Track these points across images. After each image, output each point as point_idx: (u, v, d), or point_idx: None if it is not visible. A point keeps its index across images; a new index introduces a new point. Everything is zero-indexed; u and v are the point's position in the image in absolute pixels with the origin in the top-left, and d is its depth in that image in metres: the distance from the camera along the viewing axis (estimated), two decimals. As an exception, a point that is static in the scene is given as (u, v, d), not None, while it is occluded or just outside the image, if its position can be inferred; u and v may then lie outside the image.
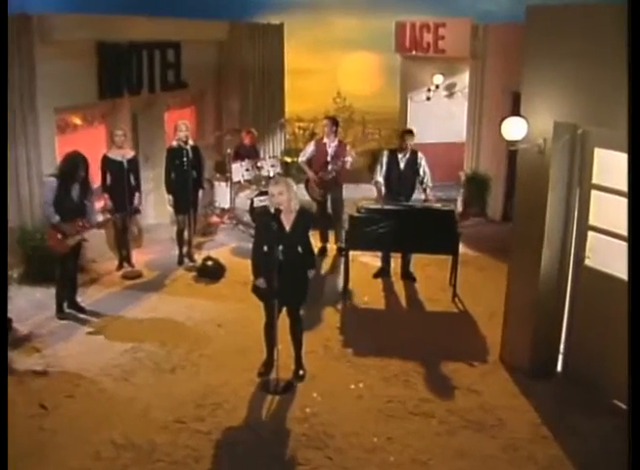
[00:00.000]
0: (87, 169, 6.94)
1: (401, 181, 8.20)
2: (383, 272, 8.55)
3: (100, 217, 7.59)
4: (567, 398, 5.77)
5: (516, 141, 5.49)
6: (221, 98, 11.50)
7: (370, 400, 5.74)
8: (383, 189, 8.25)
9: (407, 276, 8.47)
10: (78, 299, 7.45)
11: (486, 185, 11.28)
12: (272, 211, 5.60)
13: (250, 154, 10.48)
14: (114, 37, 8.75)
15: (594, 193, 5.66)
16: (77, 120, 8.97)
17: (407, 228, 7.62)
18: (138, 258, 9.02)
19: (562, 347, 6.18)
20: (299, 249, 5.78)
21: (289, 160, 11.46)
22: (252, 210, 9.78)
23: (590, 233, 5.77)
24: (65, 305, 7.27)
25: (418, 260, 8.78)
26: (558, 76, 5.38)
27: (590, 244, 5.80)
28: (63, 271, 7.12)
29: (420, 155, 8.32)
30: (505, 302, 6.50)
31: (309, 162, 9.22)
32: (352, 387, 5.94)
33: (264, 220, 5.70)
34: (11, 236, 7.73)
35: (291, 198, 5.66)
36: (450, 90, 13.30)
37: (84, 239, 7.14)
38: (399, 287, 8.30)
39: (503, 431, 5.36)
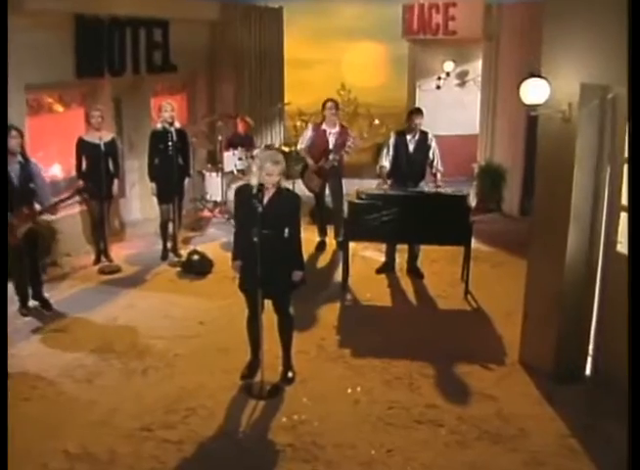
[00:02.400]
0: (23, 143, 6.28)
1: (410, 165, 7.58)
2: (387, 267, 7.91)
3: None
4: (598, 404, 5.11)
5: (536, 105, 4.85)
6: (214, 84, 10.90)
7: (368, 407, 5.10)
8: (387, 174, 7.62)
9: (414, 272, 7.83)
10: (46, 294, 6.83)
11: (502, 178, 10.63)
12: (255, 187, 4.98)
13: (244, 143, 9.89)
14: (93, 10, 8.17)
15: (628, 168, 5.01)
16: (51, 100, 8.35)
17: (413, 216, 6.99)
18: (118, 252, 8.42)
19: (591, 346, 5.50)
20: (286, 232, 5.15)
21: (286, 149, 10.82)
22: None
23: (623, 214, 5.10)
24: (29, 300, 6.66)
25: (426, 255, 8.15)
26: (586, 29, 4.75)
27: (623, 227, 5.13)
28: (20, 265, 6.48)
29: (430, 136, 7.72)
30: (525, 294, 5.86)
31: (308, 149, 8.62)
32: (349, 391, 5.30)
33: (245, 197, 5.08)
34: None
35: (281, 174, 5.06)
36: (462, 78, 12.67)
37: (35, 229, 6.47)
38: (405, 283, 7.66)
39: (525, 443, 4.71)
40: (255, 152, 9.72)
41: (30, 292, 6.67)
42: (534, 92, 4.80)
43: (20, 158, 6.28)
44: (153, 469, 4.31)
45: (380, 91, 14.92)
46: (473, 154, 11.48)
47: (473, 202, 10.83)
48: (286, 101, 12.20)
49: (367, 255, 8.46)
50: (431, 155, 7.62)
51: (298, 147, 8.82)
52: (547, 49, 5.02)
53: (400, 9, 12.40)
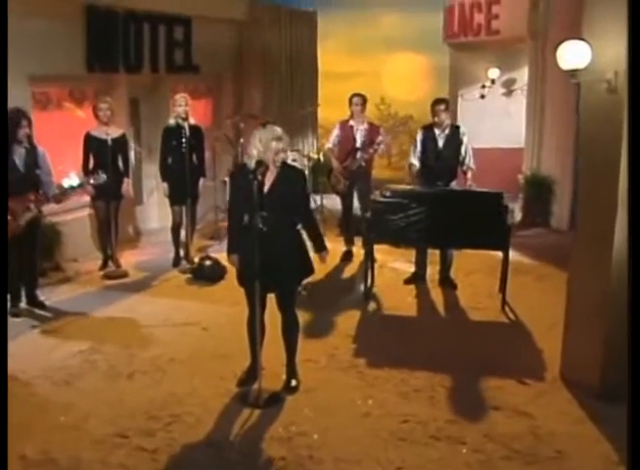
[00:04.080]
0: (30, 128, 6.00)
1: (440, 162, 7.04)
2: (416, 277, 7.33)
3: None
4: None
5: (576, 70, 4.29)
6: (241, 88, 10.58)
7: (379, 420, 4.52)
8: (416, 172, 7.10)
9: (446, 282, 7.23)
10: (42, 297, 6.47)
11: (549, 189, 9.97)
12: (252, 165, 4.53)
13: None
14: (107, 1, 7.93)
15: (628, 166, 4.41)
16: (58, 94, 8.06)
17: (443, 217, 6.42)
18: (129, 258, 8.06)
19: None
20: (293, 215, 4.67)
21: (314, 155, 10.41)
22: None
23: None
24: (22, 299, 6.30)
25: (461, 266, 7.59)
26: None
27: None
28: (19, 258, 6.15)
29: (462, 130, 7.18)
30: (566, 302, 5.24)
31: (335, 150, 8.18)
32: (358, 403, 4.73)
33: (241, 178, 4.63)
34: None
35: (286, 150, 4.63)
36: (509, 87, 12.09)
37: (39, 216, 6.16)
38: (436, 294, 7.07)
39: (563, 465, 4.09)
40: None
41: (24, 293, 6.32)
42: (574, 56, 4.25)
43: (26, 143, 6.02)
44: (119, 480, 3.82)
45: (421, 104, 14.39)
46: (520, 168, 10.86)
47: (518, 216, 10.26)
48: (321, 117, 11.84)
49: (397, 266, 7.91)
50: (462, 151, 7.08)
51: (326, 147, 8.40)
52: (590, 6, 4.47)
53: (442, 17, 12.01)
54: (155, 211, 9.37)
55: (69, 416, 4.46)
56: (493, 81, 11.94)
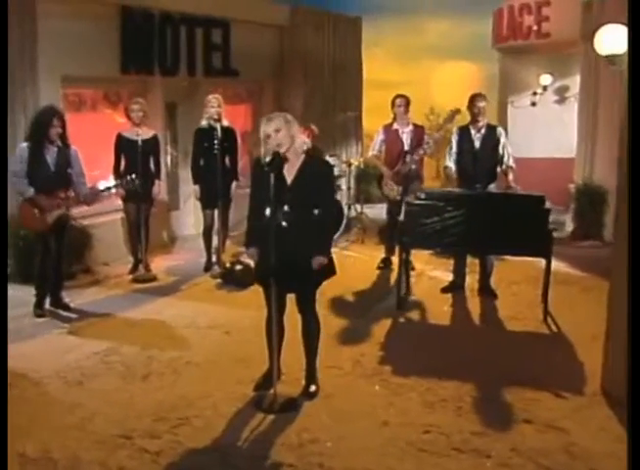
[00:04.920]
0: (64, 127, 5.97)
1: (477, 164, 6.78)
2: (455, 286, 7.06)
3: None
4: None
5: (614, 55, 4.03)
6: (282, 95, 10.49)
7: (398, 429, 4.28)
8: (454, 175, 6.86)
9: (486, 292, 6.94)
10: (67, 299, 6.44)
11: (602, 200, 9.56)
12: (272, 156, 4.37)
13: (308, 154, 9.34)
14: (142, 3, 7.94)
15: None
16: (92, 96, 8.09)
17: (481, 220, 6.16)
18: (161, 263, 8.02)
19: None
20: (315, 211, 4.50)
21: (355, 162, 10.22)
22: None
23: None
24: (47, 301, 6.28)
25: (504, 276, 7.33)
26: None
27: None
28: (44, 256, 6.13)
29: (500, 130, 6.93)
30: (608, 314, 4.94)
31: (380, 156, 7.99)
32: (378, 411, 4.50)
33: (258, 172, 4.48)
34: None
35: (294, 136, 4.41)
36: (562, 94, 11.75)
37: (68, 215, 6.13)
38: (474, 303, 6.79)
39: (597, 485, 3.78)
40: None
41: (48, 293, 6.30)
42: (611, 41, 3.99)
43: (58, 142, 6.01)
44: (116, 481, 3.68)
45: (472, 114, 14.17)
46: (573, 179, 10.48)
47: (569, 227, 9.89)
48: (367, 128, 11.66)
49: (436, 275, 7.67)
50: (500, 150, 6.81)
51: (369, 154, 8.21)
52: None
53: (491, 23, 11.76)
54: (191, 217, 9.32)
55: (75, 416, 4.35)
56: (545, 88, 11.62)
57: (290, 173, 4.45)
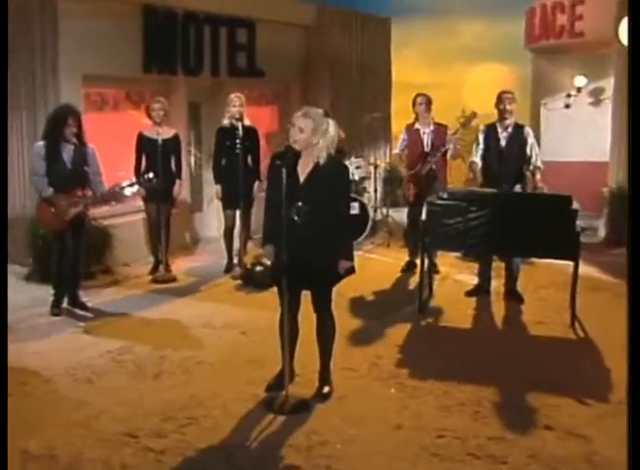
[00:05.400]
0: (80, 125, 5.98)
1: (502, 163, 6.65)
2: (479, 290, 6.92)
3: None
4: None
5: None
6: (309, 96, 10.44)
7: (412, 433, 4.17)
8: (479, 171, 6.74)
9: (512, 295, 6.79)
10: (85, 298, 6.44)
11: (637, 204, 9.30)
12: (288, 152, 4.34)
13: (334, 156, 9.26)
14: (165, 2, 7.96)
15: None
16: (114, 96, 8.12)
17: (506, 221, 6.02)
18: (182, 264, 8.01)
19: None
20: (330, 209, 4.42)
21: (381, 164, 10.12)
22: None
23: None
24: (65, 300, 6.29)
25: (531, 279, 7.20)
26: None
27: None
28: (61, 255, 6.15)
29: (527, 129, 6.79)
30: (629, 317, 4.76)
31: (402, 156, 7.92)
32: (392, 414, 4.39)
33: (274, 166, 4.44)
34: (23, 226, 7.00)
35: (317, 144, 4.35)
36: (596, 96, 11.49)
37: (85, 213, 6.14)
38: (499, 307, 6.65)
39: (621, 497, 3.63)
40: (347, 163, 9.15)
41: (66, 292, 6.31)
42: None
43: (75, 140, 6.02)
44: (118, 480, 3.63)
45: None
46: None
47: (602, 233, 9.67)
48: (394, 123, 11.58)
49: (461, 278, 7.53)
50: (527, 151, 6.67)
51: (394, 152, 8.12)
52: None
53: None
54: (214, 219, 9.29)
55: (82, 414, 4.31)
56: (579, 90, 11.39)
57: (303, 171, 4.39)
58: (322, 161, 4.36)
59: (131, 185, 6.30)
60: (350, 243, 4.59)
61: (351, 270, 4.55)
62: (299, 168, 4.41)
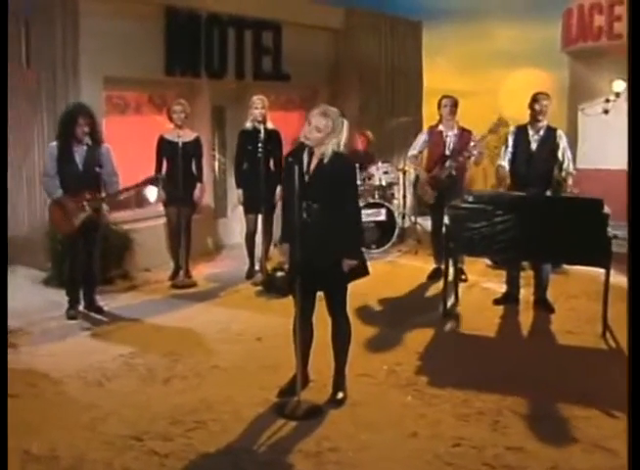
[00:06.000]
0: (94, 125, 6.00)
1: (531, 167, 6.53)
2: (508, 298, 6.80)
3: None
4: None
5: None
6: (337, 101, 10.39)
7: (427, 441, 4.09)
8: (506, 175, 6.64)
9: (541, 304, 6.65)
10: (102, 302, 6.46)
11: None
12: (299, 149, 4.33)
13: (362, 162, 9.22)
14: (188, 4, 8.01)
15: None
16: (136, 99, 8.16)
17: (533, 226, 5.90)
18: (203, 270, 8.01)
19: None
20: (341, 207, 4.39)
21: (410, 169, 10.02)
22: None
23: None
24: (80, 302, 6.32)
25: (562, 288, 7.06)
26: None
27: None
28: (72, 259, 6.18)
29: (560, 132, 6.67)
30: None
31: (419, 157, 7.85)
32: (408, 422, 4.31)
33: (287, 163, 4.43)
34: (43, 230, 7.07)
35: (326, 142, 4.32)
36: (636, 101, 11.28)
37: (97, 216, 6.15)
38: (527, 316, 6.51)
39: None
40: (370, 170, 9.12)
41: (82, 296, 6.34)
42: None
43: (87, 141, 6.04)
44: (118, 482, 3.61)
45: (542, 125, 13.79)
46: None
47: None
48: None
49: (490, 286, 7.41)
50: (560, 155, 6.55)
51: (408, 154, 8.03)
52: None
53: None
54: (238, 225, 9.25)
55: (88, 416, 4.31)
56: (618, 95, 11.18)
57: (311, 169, 4.37)
58: (326, 159, 4.33)
59: (141, 184, 6.31)
60: (357, 241, 4.53)
61: (361, 271, 4.50)
62: (312, 165, 4.38)
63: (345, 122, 4.42)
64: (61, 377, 4.90)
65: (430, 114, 12.18)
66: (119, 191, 6.18)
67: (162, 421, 4.26)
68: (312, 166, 4.36)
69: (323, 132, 4.30)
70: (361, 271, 4.53)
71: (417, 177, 7.77)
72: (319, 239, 4.33)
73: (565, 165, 6.55)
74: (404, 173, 9.60)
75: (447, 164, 7.43)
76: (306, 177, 4.34)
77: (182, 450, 3.91)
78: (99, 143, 6.13)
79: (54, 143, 6.06)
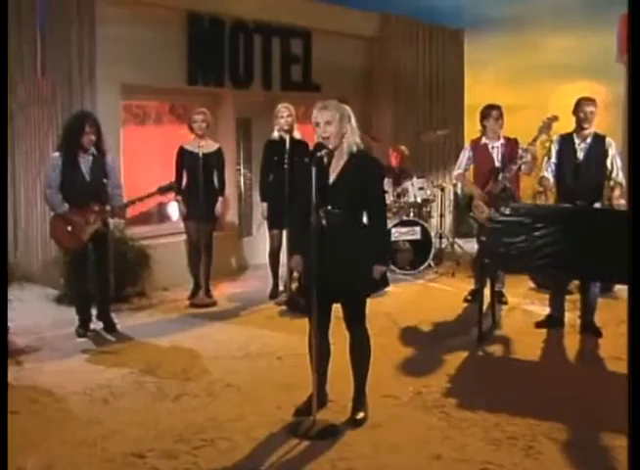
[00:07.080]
0: (100, 134, 6.09)
1: (579, 178, 6.43)
2: (551, 321, 6.69)
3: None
4: None
5: None
6: (371, 113, 10.48)
7: (451, 464, 4.04)
8: (551, 188, 6.58)
9: (588, 328, 6.52)
10: (116, 320, 6.53)
11: None
12: (317, 149, 4.36)
13: (395, 178, 9.24)
14: (212, 9, 8.15)
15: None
16: (157, 108, 8.31)
17: (576, 240, 5.81)
18: (224, 290, 8.05)
19: None
20: (363, 213, 4.41)
21: (448, 186, 10.00)
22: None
23: None
24: (91, 319, 6.39)
25: (613, 313, 6.90)
26: None
27: None
28: (82, 274, 6.27)
29: (609, 140, 6.55)
30: None
31: (465, 175, 7.77)
32: (432, 445, 4.26)
33: (303, 166, 4.46)
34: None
35: (345, 134, 4.36)
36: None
37: (106, 230, 6.24)
38: (571, 340, 6.40)
39: None
40: (404, 185, 9.10)
41: (94, 313, 6.43)
42: None
43: (93, 150, 6.14)
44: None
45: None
46: None
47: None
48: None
49: (532, 309, 7.32)
50: (609, 165, 6.46)
51: (454, 174, 7.96)
52: None
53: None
54: (265, 244, 9.31)
55: (92, 433, 4.35)
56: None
57: (334, 171, 4.39)
58: (353, 158, 4.35)
59: (149, 196, 6.38)
60: (387, 246, 4.54)
61: (383, 283, 4.50)
62: (331, 169, 4.41)
63: (349, 108, 4.47)
64: (65, 393, 4.95)
65: (471, 129, 12.19)
66: (132, 201, 6.26)
67: (169, 439, 4.28)
68: (333, 167, 4.38)
69: (334, 124, 4.33)
70: (383, 283, 4.53)
71: (469, 197, 7.56)
72: (339, 247, 4.33)
73: (614, 175, 6.46)
74: (442, 190, 9.54)
75: (500, 177, 7.30)
76: (330, 180, 4.35)
77: (186, 468, 3.92)
78: (104, 153, 6.22)
79: (56, 153, 6.10)
